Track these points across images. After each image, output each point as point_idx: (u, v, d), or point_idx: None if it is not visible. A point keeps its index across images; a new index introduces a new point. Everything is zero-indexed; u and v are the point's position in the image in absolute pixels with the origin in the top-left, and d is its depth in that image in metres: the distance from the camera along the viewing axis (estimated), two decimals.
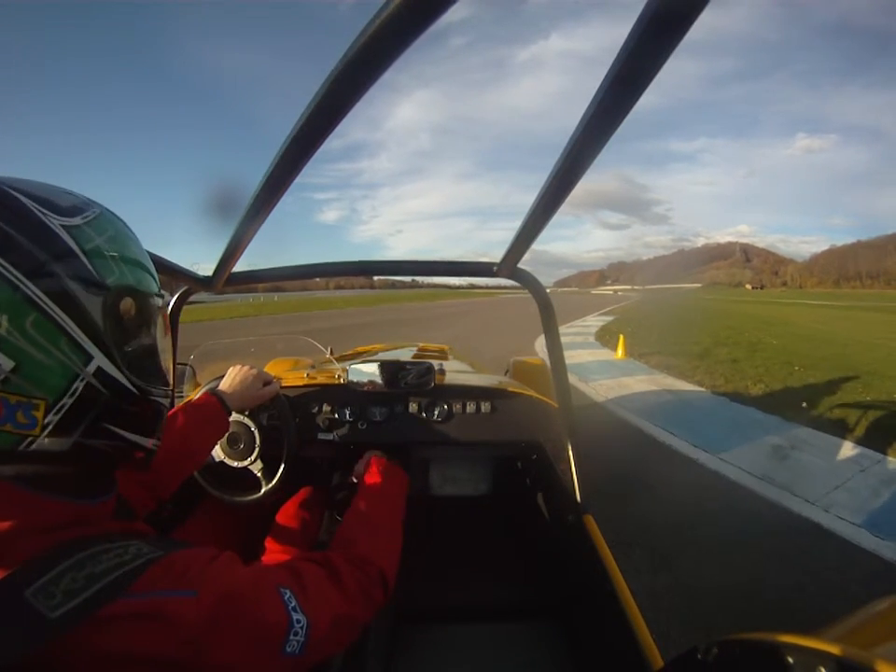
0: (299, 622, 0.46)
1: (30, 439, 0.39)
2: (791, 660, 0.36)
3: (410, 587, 1.29)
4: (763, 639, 0.38)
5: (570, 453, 1.26)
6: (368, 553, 0.67)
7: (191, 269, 1.08)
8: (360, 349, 2.48)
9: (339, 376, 1.38)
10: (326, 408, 1.32)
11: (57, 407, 0.40)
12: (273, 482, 1.14)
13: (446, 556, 1.55)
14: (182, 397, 1.43)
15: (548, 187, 0.66)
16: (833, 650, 0.35)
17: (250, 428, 1.15)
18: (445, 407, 1.31)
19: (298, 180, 0.64)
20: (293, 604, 0.47)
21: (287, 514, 1.25)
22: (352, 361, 1.37)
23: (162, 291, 0.54)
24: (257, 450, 1.14)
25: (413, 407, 1.31)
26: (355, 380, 1.31)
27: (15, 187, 0.41)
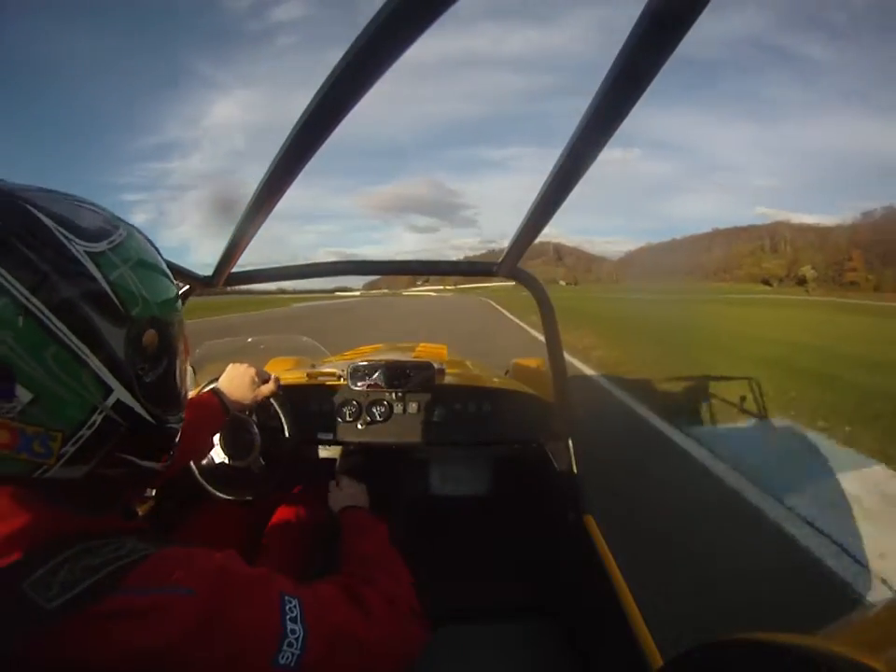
0: (294, 632, 0.44)
1: (44, 467, 0.39)
2: (791, 660, 0.36)
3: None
4: (763, 639, 0.38)
5: (571, 452, 1.26)
6: (383, 579, 0.64)
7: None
8: (361, 349, 2.48)
9: (339, 376, 1.38)
10: (326, 408, 1.32)
11: (74, 439, 0.40)
12: (273, 480, 1.14)
13: (446, 556, 1.55)
14: None
15: (548, 187, 0.66)
16: (835, 650, 0.34)
17: (250, 427, 1.16)
18: (445, 407, 1.31)
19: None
20: (294, 613, 0.45)
21: (285, 516, 1.25)
22: (352, 361, 1.37)
23: (179, 305, 0.51)
24: (256, 449, 1.15)
25: (412, 407, 1.31)
26: (355, 380, 1.31)
27: (37, 204, 0.39)
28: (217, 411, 0.97)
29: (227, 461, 1.15)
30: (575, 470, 1.25)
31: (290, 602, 0.46)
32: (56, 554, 0.37)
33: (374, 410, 1.31)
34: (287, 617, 0.45)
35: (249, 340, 2.21)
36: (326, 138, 0.54)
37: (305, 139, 0.54)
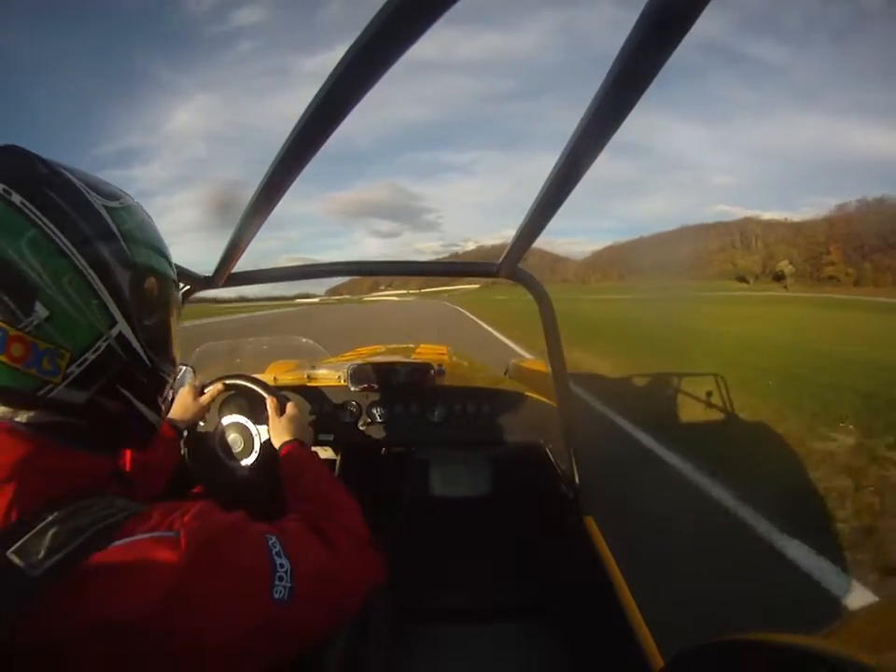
0: (282, 566, 0.45)
1: (50, 385, 0.42)
2: (791, 661, 0.36)
3: (411, 587, 1.29)
4: (763, 640, 0.38)
5: (571, 454, 1.26)
6: (337, 513, 0.65)
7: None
8: (361, 350, 2.48)
9: (339, 377, 1.38)
10: (326, 409, 1.32)
11: (80, 360, 0.44)
12: (273, 480, 1.13)
13: (446, 557, 1.55)
14: None
15: (548, 187, 0.66)
16: (835, 651, 0.34)
17: (250, 428, 1.15)
18: (445, 408, 1.31)
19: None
20: (277, 549, 0.47)
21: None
22: (352, 362, 1.37)
23: (178, 282, 0.59)
24: (257, 444, 1.14)
25: (412, 408, 1.31)
26: (355, 381, 1.31)
27: (67, 168, 0.47)
28: (168, 433, 1.02)
29: (228, 464, 1.15)
30: (575, 472, 1.25)
31: (271, 538, 0.48)
32: (44, 516, 0.38)
33: (374, 411, 1.31)
34: (273, 552, 0.46)
35: (249, 340, 2.21)
36: (326, 139, 0.54)
37: (305, 140, 0.54)
